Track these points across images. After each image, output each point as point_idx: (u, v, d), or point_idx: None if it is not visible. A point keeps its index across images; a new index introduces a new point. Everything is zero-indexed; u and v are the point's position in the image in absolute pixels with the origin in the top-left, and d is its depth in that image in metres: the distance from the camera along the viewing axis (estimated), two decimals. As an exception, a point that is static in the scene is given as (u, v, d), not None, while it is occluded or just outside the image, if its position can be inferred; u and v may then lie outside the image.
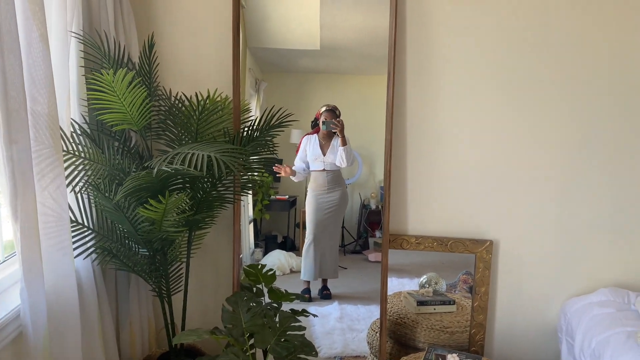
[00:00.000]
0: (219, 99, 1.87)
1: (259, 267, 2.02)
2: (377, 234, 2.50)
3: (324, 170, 2.38)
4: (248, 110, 2.20)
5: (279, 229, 2.54)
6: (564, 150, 2.24)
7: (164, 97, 1.94)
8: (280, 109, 2.03)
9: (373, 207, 2.51)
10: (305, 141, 2.38)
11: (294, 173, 2.40)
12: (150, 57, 1.87)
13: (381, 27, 2.19)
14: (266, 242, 2.52)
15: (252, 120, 2.08)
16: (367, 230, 2.54)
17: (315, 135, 2.36)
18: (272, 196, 2.45)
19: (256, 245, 2.49)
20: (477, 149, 2.27)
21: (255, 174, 2.12)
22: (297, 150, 2.39)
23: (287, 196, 2.45)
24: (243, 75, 2.33)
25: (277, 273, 2.39)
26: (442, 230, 2.31)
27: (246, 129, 2.01)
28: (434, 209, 2.33)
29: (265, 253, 2.48)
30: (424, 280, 2.35)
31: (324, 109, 2.34)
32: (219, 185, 1.81)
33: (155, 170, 1.38)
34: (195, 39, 2.23)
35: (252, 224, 2.47)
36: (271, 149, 2.08)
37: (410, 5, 2.21)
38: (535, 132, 2.24)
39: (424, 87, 2.25)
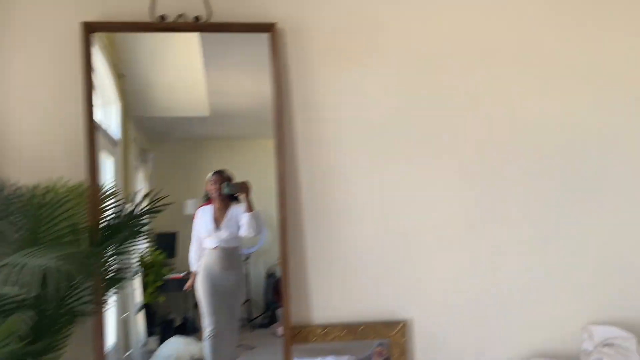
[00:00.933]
0: (72, 184, 1.55)
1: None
2: None
3: (217, 247, 2.06)
4: (113, 194, 1.84)
5: (178, 311, 2.20)
6: (473, 218, 2.11)
7: (-4, 190, 1.58)
8: (152, 191, 1.74)
9: (279, 275, 2.24)
10: (200, 215, 2.08)
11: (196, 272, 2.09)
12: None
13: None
14: (163, 328, 2.18)
15: (119, 206, 1.76)
16: (275, 302, 2.27)
17: (210, 206, 2.07)
18: (165, 276, 2.13)
19: (151, 334, 2.14)
20: (382, 221, 2.10)
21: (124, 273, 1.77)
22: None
23: (183, 273, 2.13)
24: (126, 147, 2.05)
25: (175, 365, 2.06)
26: (350, 313, 2.07)
27: (108, 218, 1.69)
28: (340, 291, 2.09)
29: (161, 341, 2.13)
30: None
31: (210, 174, 2.07)
32: (69, 298, 1.46)
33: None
34: (40, 116, 1.89)
35: (142, 310, 2.12)
36: (146, 237, 1.77)
37: (294, 70, 2.05)
38: (442, 199, 2.10)
39: (318, 155, 2.07)
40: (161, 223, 2.02)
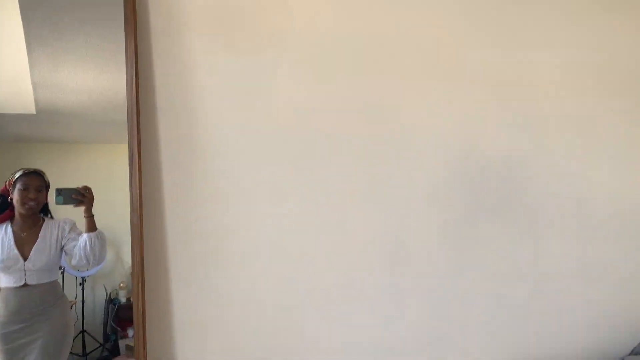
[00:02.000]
0: None
1: None
2: (130, 332, 1.89)
3: (24, 285, 1.45)
4: None
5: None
6: (375, 257, 1.85)
7: None
8: None
9: (123, 300, 1.91)
10: None
11: None
12: None
13: (122, 88, 1.64)
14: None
15: None
16: (117, 331, 1.90)
17: (7, 224, 1.49)
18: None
19: None
20: (269, 261, 1.73)
21: None
22: None
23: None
24: None
25: None
26: None
27: None
28: (217, 347, 1.65)
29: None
30: None
31: (19, 174, 1.49)
32: None
33: None
34: None
35: None
36: None
37: (160, 50, 1.62)
38: (339, 219, 1.81)
39: (191, 170, 1.65)
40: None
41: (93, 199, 1.52)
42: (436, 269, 1.94)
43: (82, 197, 1.50)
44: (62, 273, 1.69)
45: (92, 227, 1.51)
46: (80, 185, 1.54)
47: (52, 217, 1.57)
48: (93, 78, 1.81)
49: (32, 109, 1.77)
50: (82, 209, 1.53)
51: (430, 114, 1.97)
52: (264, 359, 1.71)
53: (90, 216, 1.51)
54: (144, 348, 1.45)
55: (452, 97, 2.01)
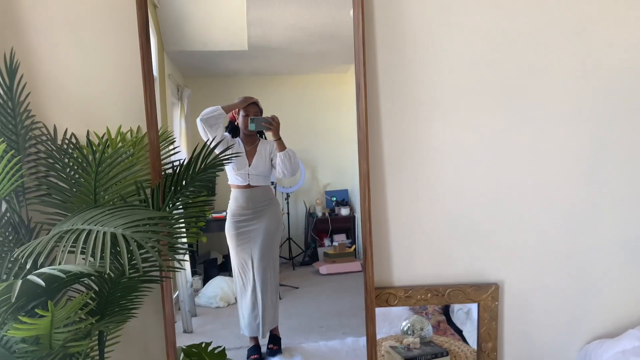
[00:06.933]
0: (128, 136, 1.32)
1: (203, 345, 1.51)
2: (326, 242, 2.10)
3: (247, 186, 1.78)
4: (170, 141, 1.59)
5: (219, 249, 2.06)
6: (571, 172, 1.80)
7: (44, 138, 1.31)
8: (216, 139, 1.49)
9: (319, 214, 2.09)
10: (228, 139, 1.78)
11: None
12: (14, 84, 1.23)
13: (316, 22, 1.84)
14: (205, 266, 2.04)
15: (178, 160, 1.48)
16: (315, 240, 2.12)
17: (238, 139, 1.79)
18: (207, 216, 1.95)
19: (194, 273, 2.00)
20: (475, 174, 1.80)
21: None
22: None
23: (224, 213, 1.96)
24: (162, 86, 1.80)
25: (220, 304, 1.91)
26: (435, 275, 1.83)
27: (170, 177, 1.37)
28: (424, 251, 1.82)
29: (204, 280, 2.00)
30: (406, 327, 1.86)
31: (239, 101, 1.78)
32: (137, 267, 1.23)
33: (17, 287, 0.83)
34: (87, 51, 1.55)
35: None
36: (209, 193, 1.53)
37: None
38: (541, 149, 1.79)
39: (405, 94, 1.74)
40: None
41: (279, 125, 1.75)
42: (628, 189, 1.83)
43: (269, 124, 1.74)
44: (274, 187, 1.93)
45: (281, 147, 1.76)
46: (269, 115, 1.76)
47: (265, 138, 1.85)
48: (292, 16, 1.90)
49: (245, 46, 1.93)
50: (273, 133, 1.79)
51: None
52: (461, 264, 1.83)
53: (277, 139, 1.75)
54: (371, 246, 1.68)
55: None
